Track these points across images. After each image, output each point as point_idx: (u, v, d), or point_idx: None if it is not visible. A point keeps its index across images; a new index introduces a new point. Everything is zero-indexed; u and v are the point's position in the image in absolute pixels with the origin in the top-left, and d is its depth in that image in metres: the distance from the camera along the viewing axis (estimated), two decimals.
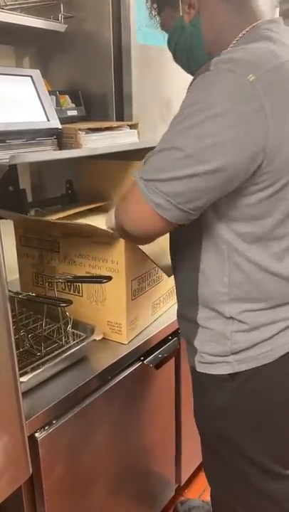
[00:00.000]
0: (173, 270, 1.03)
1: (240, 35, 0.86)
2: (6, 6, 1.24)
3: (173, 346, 1.34)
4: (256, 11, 0.87)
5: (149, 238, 0.90)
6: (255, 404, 0.93)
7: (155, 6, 0.98)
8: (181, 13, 0.91)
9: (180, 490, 1.66)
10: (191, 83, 0.84)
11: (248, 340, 0.90)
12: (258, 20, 0.86)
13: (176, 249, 1.01)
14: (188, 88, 0.83)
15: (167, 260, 1.06)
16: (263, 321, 0.90)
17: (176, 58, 1.00)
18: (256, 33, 0.84)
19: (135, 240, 0.92)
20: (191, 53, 0.95)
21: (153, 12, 0.99)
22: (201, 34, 0.90)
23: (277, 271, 0.88)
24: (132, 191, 0.82)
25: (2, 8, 1.20)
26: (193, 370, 1.00)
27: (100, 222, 1.17)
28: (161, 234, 0.87)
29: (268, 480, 0.99)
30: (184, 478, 1.61)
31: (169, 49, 1.00)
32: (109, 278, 1.14)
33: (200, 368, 0.96)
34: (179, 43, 0.95)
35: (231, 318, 0.90)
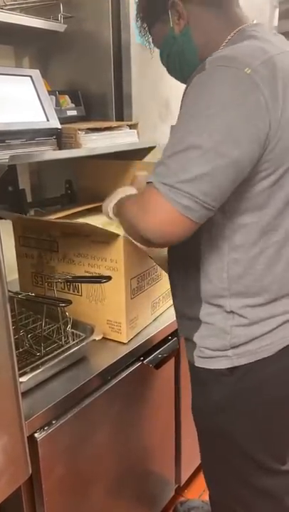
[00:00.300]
0: (171, 269, 1.03)
1: (229, 37, 0.89)
2: (6, 6, 1.24)
3: (173, 346, 1.34)
4: (241, 16, 0.92)
5: (172, 243, 0.87)
6: (253, 399, 0.94)
7: (145, 25, 1.00)
8: (171, 25, 0.93)
9: (180, 490, 1.66)
10: (188, 85, 0.84)
11: (248, 335, 0.91)
12: (243, 24, 0.90)
13: (174, 247, 1.01)
14: (186, 90, 0.84)
15: (165, 256, 1.06)
16: (262, 315, 0.91)
17: (170, 70, 1.02)
18: (242, 34, 0.88)
19: (154, 246, 0.88)
20: (184, 60, 0.96)
21: (142, 31, 1.01)
22: (192, 41, 0.93)
23: (274, 262, 0.89)
24: (151, 199, 0.79)
25: (1, 8, 1.20)
26: (191, 365, 1.00)
27: (99, 221, 1.17)
28: (186, 237, 0.82)
29: (266, 477, 0.99)
30: (184, 478, 1.61)
31: (162, 62, 1.02)
32: (108, 278, 1.15)
33: (199, 363, 0.97)
34: (172, 52, 0.97)
35: (232, 312, 0.91)
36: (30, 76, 1.21)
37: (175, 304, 1.04)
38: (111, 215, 1.04)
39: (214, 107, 0.76)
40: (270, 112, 0.77)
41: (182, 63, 0.97)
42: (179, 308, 1.03)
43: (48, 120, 1.19)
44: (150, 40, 1.02)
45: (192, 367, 1.00)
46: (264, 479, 0.99)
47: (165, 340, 1.33)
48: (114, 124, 1.36)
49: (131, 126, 1.39)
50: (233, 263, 0.89)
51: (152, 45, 1.03)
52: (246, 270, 0.88)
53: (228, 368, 0.93)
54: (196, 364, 0.98)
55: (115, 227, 1.14)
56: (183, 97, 0.86)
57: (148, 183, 0.81)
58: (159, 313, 1.38)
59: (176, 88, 1.57)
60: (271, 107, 0.77)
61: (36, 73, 1.22)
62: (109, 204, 1.04)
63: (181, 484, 1.61)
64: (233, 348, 0.92)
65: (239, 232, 0.86)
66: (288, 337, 0.92)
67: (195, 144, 0.76)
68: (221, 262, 0.89)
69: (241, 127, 0.76)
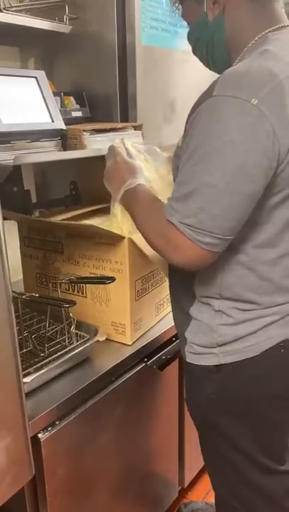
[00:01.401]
0: (171, 270, 1.04)
1: (253, 41, 0.87)
2: (12, 7, 1.24)
3: (177, 348, 1.33)
4: (278, 13, 0.88)
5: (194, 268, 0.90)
6: (241, 397, 0.95)
7: None
8: (205, 9, 0.90)
9: (183, 492, 1.65)
10: (197, 105, 0.83)
11: (232, 334, 0.92)
12: (277, 24, 0.87)
13: None
14: (194, 110, 0.82)
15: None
16: (248, 316, 0.92)
17: (196, 52, 1.00)
18: (263, 42, 0.85)
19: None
20: (211, 50, 0.94)
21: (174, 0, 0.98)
22: (224, 33, 0.90)
23: (269, 277, 0.90)
24: (178, 240, 0.82)
25: (7, 10, 1.20)
26: (184, 361, 1.02)
27: (104, 223, 1.17)
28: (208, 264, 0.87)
29: (261, 474, 1.00)
30: (188, 480, 1.61)
31: (189, 42, 0.99)
32: (112, 279, 1.14)
33: (189, 359, 0.99)
34: (201, 39, 0.95)
35: (220, 311, 0.93)
36: (36, 77, 1.22)
37: (172, 301, 1.06)
38: (117, 206, 1.04)
39: (225, 144, 0.76)
40: (280, 139, 0.77)
41: (209, 51, 0.95)
42: (175, 304, 1.04)
43: (52, 121, 1.20)
44: (179, 8, 0.98)
45: (185, 362, 1.03)
46: (261, 477, 1.01)
47: (169, 342, 1.33)
48: (118, 125, 1.36)
49: (136, 128, 1.39)
50: (227, 272, 0.90)
51: (177, 13, 0.99)
52: (239, 280, 0.90)
53: (215, 365, 0.94)
54: (187, 359, 1.00)
55: (119, 228, 1.13)
56: (190, 117, 0.85)
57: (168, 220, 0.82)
58: (164, 315, 1.38)
59: (182, 89, 1.58)
60: (280, 134, 0.77)
61: (41, 74, 1.23)
62: (118, 193, 1.03)
63: (185, 486, 1.61)
64: (219, 346, 0.93)
65: (239, 245, 0.88)
66: (274, 337, 0.92)
67: (209, 183, 0.77)
68: (216, 269, 0.90)
69: (253, 162, 0.77)
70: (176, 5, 0.98)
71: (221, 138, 0.76)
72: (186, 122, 0.86)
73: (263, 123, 0.76)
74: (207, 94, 0.80)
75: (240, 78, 0.78)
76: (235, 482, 1.04)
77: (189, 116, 0.85)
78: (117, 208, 1.06)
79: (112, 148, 1.09)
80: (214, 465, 1.10)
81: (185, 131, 0.87)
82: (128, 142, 1.11)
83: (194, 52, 1.00)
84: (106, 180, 1.08)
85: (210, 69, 1.00)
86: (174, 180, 0.92)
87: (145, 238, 0.93)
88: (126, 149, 1.08)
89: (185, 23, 0.99)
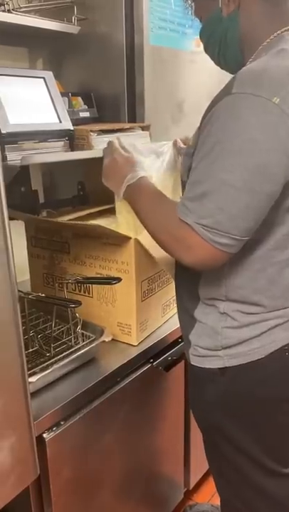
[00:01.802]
0: (177, 271, 1.04)
1: (268, 40, 0.86)
2: (20, 8, 1.25)
3: (183, 349, 1.33)
4: None
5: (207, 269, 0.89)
6: (246, 400, 0.94)
7: None
8: (220, 5, 0.89)
9: (189, 494, 1.65)
10: (214, 102, 0.81)
11: (237, 337, 0.92)
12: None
13: None
14: (211, 109, 0.81)
15: (172, 261, 1.06)
16: (253, 319, 0.91)
17: (207, 49, 0.98)
18: (280, 41, 0.84)
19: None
20: (224, 48, 0.93)
21: None
22: (238, 30, 0.89)
23: (278, 279, 0.89)
24: (191, 239, 0.80)
25: (16, 11, 1.21)
26: (188, 363, 1.02)
27: (111, 224, 1.17)
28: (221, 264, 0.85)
29: (265, 476, 0.99)
30: (193, 482, 1.60)
31: (201, 39, 0.98)
32: (118, 279, 1.14)
33: (193, 361, 0.98)
34: (214, 35, 0.93)
35: (225, 313, 0.92)
36: (44, 78, 1.22)
37: (177, 303, 1.05)
38: (121, 196, 1.01)
39: (245, 142, 0.75)
40: None
41: (222, 48, 0.93)
42: (180, 306, 1.04)
43: (60, 122, 1.20)
44: (192, 5, 0.97)
45: (189, 365, 1.02)
46: (265, 480, 1.00)
47: (175, 343, 1.33)
48: (126, 125, 1.36)
49: (143, 128, 1.39)
50: (234, 273, 0.89)
51: (190, 10, 0.97)
52: (246, 283, 0.89)
53: (219, 368, 0.94)
54: (191, 362, 0.99)
55: (125, 224, 1.13)
56: (206, 115, 0.83)
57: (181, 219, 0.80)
58: (170, 316, 1.37)
59: (190, 90, 1.58)
60: None
61: (49, 75, 1.23)
62: (121, 189, 0.99)
63: (190, 488, 1.60)
64: (224, 348, 0.93)
65: (247, 246, 0.85)
66: (278, 341, 0.91)
67: (228, 182, 0.76)
68: (224, 271, 0.89)
69: (274, 161, 0.75)
70: (190, 1, 0.97)
71: (241, 136, 0.75)
72: (201, 121, 0.85)
73: (285, 122, 0.74)
74: (225, 92, 0.78)
75: (260, 76, 0.77)
76: (239, 484, 1.03)
77: (205, 114, 0.84)
78: (120, 205, 1.05)
79: (109, 145, 1.07)
80: (218, 467, 1.09)
81: (199, 129, 0.85)
82: (125, 141, 1.07)
83: (206, 49, 0.98)
84: (105, 177, 1.05)
85: (221, 67, 0.98)
86: (183, 179, 0.90)
87: (150, 233, 0.91)
88: (122, 147, 1.06)
89: (195, 23, 0.97)
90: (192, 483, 1.60)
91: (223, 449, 1.01)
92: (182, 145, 1.19)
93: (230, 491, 1.08)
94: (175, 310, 1.38)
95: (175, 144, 1.21)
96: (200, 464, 1.58)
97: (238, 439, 0.98)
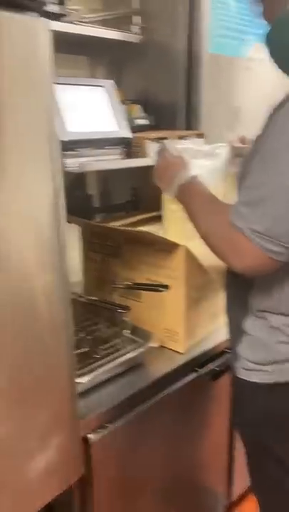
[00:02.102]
0: (227, 282, 1.02)
1: None
2: (85, 19, 1.28)
3: (229, 359, 1.31)
4: None
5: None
6: None
7: None
8: None
9: (231, 507, 1.62)
10: (278, 107, 0.80)
11: (287, 353, 0.89)
12: None
13: None
14: (275, 111, 0.80)
15: (222, 269, 1.05)
16: None
17: (274, 54, 0.91)
18: None
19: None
20: None
21: None
22: None
23: None
24: (242, 244, 0.79)
25: (80, 22, 1.24)
26: (234, 376, 1.00)
27: (160, 230, 1.18)
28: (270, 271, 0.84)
29: None
30: (236, 495, 1.57)
31: (267, 44, 0.90)
32: (166, 287, 1.15)
33: (241, 374, 0.96)
34: (284, 39, 0.87)
35: (277, 328, 0.90)
36: (104, 86, 1.25)
37: (227, 313, 1.04)
38: (172, 193, 0.99)
39: None
40: None
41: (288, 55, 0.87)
42: (229, 317, 1.03)
43: (119, 129, 1.22)
44: (260, 11, 0.91)
45: (235, 378, 1.00)
46: None
47: (223, 353, 1.31)
48: (182, 133, 1.36)
49: (198, 136, 1.39)
50: (287, 286, 0.87)
51: (256, 14, 0.92)
52: None
53: (267, 384, 0.91)
54: (238, 375, 0.97)
55: (174, 236, 1.14)
56: (270, 117, 0.82)
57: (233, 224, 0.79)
58: (218, 325, 1.36)
59: (245, 97, 1.56)
60: None
61: (110, 83, 1.26)
62: (172, 188, 0.98)
63: (233, 500, 1.57)
64: (273, 363, 0.90)
65: None
66: None
67: (284, 189, 0.74)
68: (277, 282, 0.88)
69: None
70: (257, 4, 0.91)
71: None
72: (262, 126, 0.83)
73: None
74: (287, 99, 0.78)
75: None
76: (280, 500, 1.00)
77: (265, 120, 0.82)
78: (168, 212, 1.04)
79: (161, 147, 1.07)
80: (260, 483, 1.06)
81: (259, 134, 0.84)
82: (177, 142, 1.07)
83: (272, 54, 0.91)
84: (156, 177, 1.04)
85: (288, 74, 0.93)
86: (238, 182, 0.89)
87: (201, 236, 0.89)
88: (174, 148, 1.04)
89: (255, 28, 0.94)
90: (235, 496, 1.57)
91: (266, 466, 0.99)
92: (239, 144, 1.18)
93: (270, 505, 1.05)
94: (223, 319, 1.37)
95: (231, 143, 1.19)
96: (244, 476, 1.55)
97: (282, 455, 0.95)
